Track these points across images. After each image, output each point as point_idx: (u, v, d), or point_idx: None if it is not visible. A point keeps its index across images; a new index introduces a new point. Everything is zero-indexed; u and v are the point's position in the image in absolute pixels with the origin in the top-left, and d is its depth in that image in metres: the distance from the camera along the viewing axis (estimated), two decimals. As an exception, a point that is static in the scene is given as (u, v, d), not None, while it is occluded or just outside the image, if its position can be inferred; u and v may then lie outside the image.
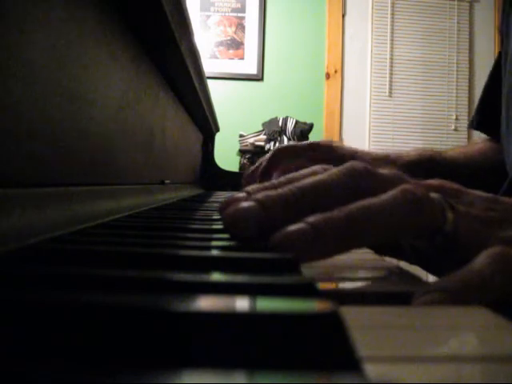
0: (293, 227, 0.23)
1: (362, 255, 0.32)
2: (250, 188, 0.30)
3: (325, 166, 0.30)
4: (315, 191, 0.26)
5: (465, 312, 0.18)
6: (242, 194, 0.29)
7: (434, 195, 0.25)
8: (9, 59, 0.26)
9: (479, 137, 0.81)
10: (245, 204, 0.26)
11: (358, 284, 0.24)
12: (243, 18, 2.60)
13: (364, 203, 0.24)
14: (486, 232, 0.25)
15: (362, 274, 0.27)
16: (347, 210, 0.23)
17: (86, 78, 0.39)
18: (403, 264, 0.30)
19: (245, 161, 2.39)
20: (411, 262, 0.30)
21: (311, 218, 0.23)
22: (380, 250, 0.32)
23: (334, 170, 0.27)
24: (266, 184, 0.30)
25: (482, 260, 0.23)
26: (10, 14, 0.26)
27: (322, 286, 0.22)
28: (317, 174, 0.28)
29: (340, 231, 0.23)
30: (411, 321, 0.16)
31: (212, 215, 0.49)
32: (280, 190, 0.26)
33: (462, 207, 0.26)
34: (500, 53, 0.68)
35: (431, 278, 0.28)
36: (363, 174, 0.27)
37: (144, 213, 0.52)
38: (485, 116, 0.74)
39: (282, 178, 0.30)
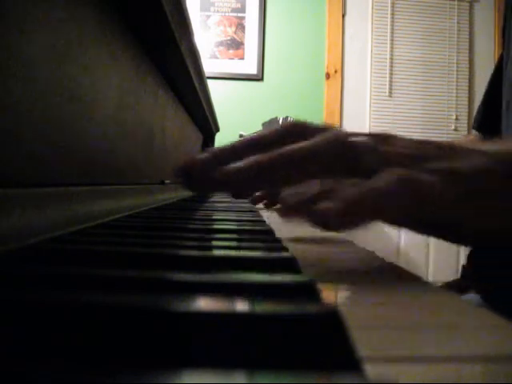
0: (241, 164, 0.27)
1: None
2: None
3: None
4: (255, 140, 0.30)
5: (465, 312, 0.18)
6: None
7: (362, 138, 0.28)
8: (9, 59, 0.26)
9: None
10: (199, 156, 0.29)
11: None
12: (243, 17, 2.60)
13: (298, 146, 0.27)
14: (415, 166, 0.28)
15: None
16: (284, 151, 0.27)
17: (86, 78, 0.39)
18: (403, 264, 0.30)
19: (245, 161, 2.39)
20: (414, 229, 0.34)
21: (255, 157, 0.27)
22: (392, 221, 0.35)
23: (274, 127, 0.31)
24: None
25: (379, 177, 0.26)
26: (10, 13, 0.26)
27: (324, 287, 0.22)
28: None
29: (275, 170, 0.27)
30: (411, 321, 0.16)
31: (212, 215, 0.49)
32: (230, 144, 0.30)
33: (391, 147, 0.29)
34: (501, 55, 0.68)
35: (431, 277, 0.28)
36: (297, 124, 0.31)
37: (144, 213, 0.52)
38: (486, 118, 0.74)
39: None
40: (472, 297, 0.56)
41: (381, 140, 0.30)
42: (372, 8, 2.66)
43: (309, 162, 0.27)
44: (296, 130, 0.30)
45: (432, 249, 2.58)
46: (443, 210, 0.28)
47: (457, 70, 2.66)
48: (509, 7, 0.64)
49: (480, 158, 0.29)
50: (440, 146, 0.31)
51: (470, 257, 0.58)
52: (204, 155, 0.29)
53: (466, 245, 0.34)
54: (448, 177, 0.28)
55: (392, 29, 2.66)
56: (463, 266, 0.57)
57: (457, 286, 0.57)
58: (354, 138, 0.28)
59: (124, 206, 0.49)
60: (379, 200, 0.26)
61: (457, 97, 2.66)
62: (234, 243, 0.31)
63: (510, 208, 0.29)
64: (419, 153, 0.29)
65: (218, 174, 0.27)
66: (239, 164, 0.27)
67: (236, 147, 0.30)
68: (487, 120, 0.73)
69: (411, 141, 0.31)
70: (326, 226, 0.25)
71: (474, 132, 0.77)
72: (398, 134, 0.31)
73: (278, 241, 0.32)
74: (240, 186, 0.27)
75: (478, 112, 0.76)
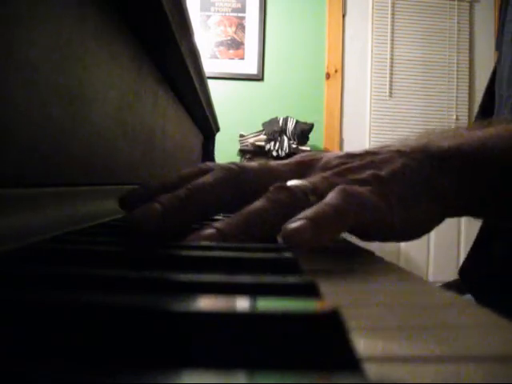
0: (205, 231, 0.29)
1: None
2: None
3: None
4: (204, 192, 0.32)
5: (465, 312, 0.18)
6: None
7: (294, 185, 0.32)
8: (8, 59, 0.26)
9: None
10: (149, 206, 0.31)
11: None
12: (243, 18, 2.60)
13: (252, 209, 0.30)
14: (343, 180, 0.32)
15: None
16: (243, 216, 0.30)
17: (86, 78, 0.39)
18: (403, 264, 0.31)
19: (245, 161, 2.39)
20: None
21: (217, 224, 0.29)
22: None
23: (214, 173, 0.34)
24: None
25: (329, 196, 0.29)
26: (10, 13, 0.26)
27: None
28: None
29: (239, 234, 0.29)
30: (411, 321, 0.16)
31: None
32: (177, 192, 0.32)
33: (317, 178, 0.33)
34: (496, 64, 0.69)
35: (431, 277, 0.29)
36: (238, 172, 0.34)
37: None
38: (484, 114, 0.74)
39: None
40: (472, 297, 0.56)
41: (305, 167, 0.36)
42: (372, 8, 2.66)
43: (263, 224, 0.30)
44: (237, 176, 0.34)
45: (432, 249, 2.58)
46: (383, 214, 0.31)
47: (457, 70, 2.66)
48: (503, 4, 0.64)
49: (397, 161, 0.33)
50: (361, 155, 0.35)
51: (465, 260, 0.58)
52: (153, 206, 0.31)
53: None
54: (371, 184, 0.32)
55: (392, 29, 2.66)
56: (460, 269, 0.57)
57: (457, 286, 0.57)
58: (287, 190, 0.31)
59: (124, 206, 0.49)
60: (337, 211, 0.29)
61: (457, 97, 2.66)
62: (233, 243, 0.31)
63: (439, 192, 0.33)
64: (341, 170, 0.34)
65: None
66: (210, 233, 0.29)
67: (182, 199, 0.32)
68: (486, 116, 0.73)
69: (334, 157, 0.35)
70: (300, 243, 0.27)
71: None
72: (399, 134, 0.34)
73: (278, 241, 0.32)
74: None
75: (479, 111, 0.76)
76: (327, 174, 0.34)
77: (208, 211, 0.33)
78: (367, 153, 0.36)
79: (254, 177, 0.35)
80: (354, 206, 0.29)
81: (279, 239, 0.29)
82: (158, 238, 0.29)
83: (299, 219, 0.27)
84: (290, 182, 0.32)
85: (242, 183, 0.34)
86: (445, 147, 0.35)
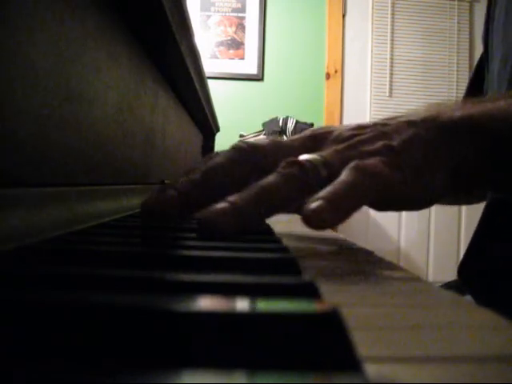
0: (217, 205, 0.29)
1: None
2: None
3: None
4: (218, 172, 0.33)
5: (465, 312, 0.18)
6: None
7: (304, 158, 0.32)
8: (9, 59, 0.26)
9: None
10: (165, 193, 0.32)
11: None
12: (243, 18, 2.60)
13: (262, 185, 0.30)
14: (356, 153, 0.32)
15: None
16: (253, 192, 0.30)
17: (85, 78, 0.39)
18: (403, 264, 0.31)
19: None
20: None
21: (231, 198, 0.29)
22: None
23: (224, 153, 0.35)
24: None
25: (343, 174, 0.29)
26: (10, 13, 0.26)
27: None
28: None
29: (251, 209, 0.29)
30: (411, 321, 0.16)
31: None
32: (190, 176, 0.33)
33: (329, 151, 0.33)
34: (481, 57, 0.69)
35: (431, 277, 0.29)
36: (248, 149, 0.34)
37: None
38: None
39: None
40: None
41: (317, 141, 0.35)
42: (372, 8, 2.65)
43: (275, 198, 0.30)
44: (248, 155, 0.34)
45: (432, 249, 2.58)
46: (401, 185, 0.31)
47: (457, 70, 2.66)
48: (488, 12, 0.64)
49: (409, 130, 0.33)
50: (372, 126, 0.35)
51: (463, 259, 0.58)
52: (171, 194, 0.32)
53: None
54: (384, 155, 0.31)
55: (392, 29, 2.66)
56: (458, 268, 0.57)
57: (457, 286, 0.57)
58: (297, 163, 0.31)
59: (124, 206, 0.49)
60: (353, 189, 0.29)
61: (457, 97, 2.65)
62: (233, 243, 0.31)
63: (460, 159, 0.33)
64: (358, 139, 0.33)
65: (205, 219, 0.30)
66: (223, 207, 0.29)
67: (201, 183, 0.33)
68: None
69: (346, 129, 0.35)
70: (320, 224, 0.28)
71: None
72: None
73: (278, 241, 0.32)
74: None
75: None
76: (339, 147, 0.33)
77: (222, 192, 0.32)
78: (378, 124, 0.35)
79: (265, 153, 0.34)
80: (368, 182, 0.29)
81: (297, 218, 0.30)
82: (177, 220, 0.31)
83: (317, 200, 0.28)
84: (302, 157, 0.32)
85: (252, 161, 0.34)
86: (456, 116, 0.34)
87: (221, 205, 0.29)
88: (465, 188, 0.37)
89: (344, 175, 0.29)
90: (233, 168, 0.33)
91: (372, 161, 0.30)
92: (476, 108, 0.35)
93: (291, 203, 0.31)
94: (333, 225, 0.28)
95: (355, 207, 0.29)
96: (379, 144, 0.32)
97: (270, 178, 0.30)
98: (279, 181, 0.30)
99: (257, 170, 0.33)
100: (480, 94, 0.63)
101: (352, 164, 0.30)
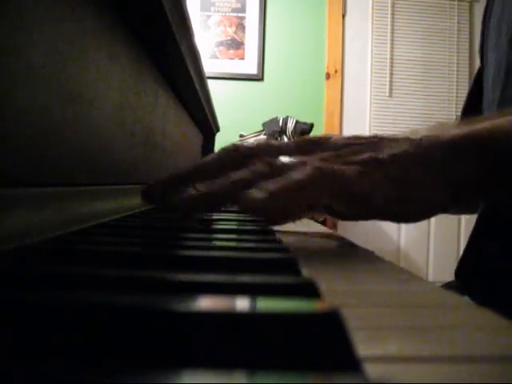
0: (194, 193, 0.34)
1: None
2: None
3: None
4: (199, 168, 0.38)
5: (465, 312, 0.18)
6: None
7: (282, 161, 0.33)
8: (9, 59, 0.26)
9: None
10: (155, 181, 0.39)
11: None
12: (243, 17, 2.60)
13: (232, 178, 0.33)
14: (340, 162, 0.33)
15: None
16: (219, 180, 0.34)
17: (85, 78, 0.39)
18: (403, 264, 0.31)
19: (245, 161, 2.39)
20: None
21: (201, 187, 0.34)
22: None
23: (216, 153, 0.38)
24: None
25: (297, 171, 0.31)
26: (10, 13, 0.26)
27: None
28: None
29: (213, 198, 0.34)
30: (411, 321, 0.16)
31: (212, 215, 0.49)
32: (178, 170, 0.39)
33: (314, 157, 0.34)
34: (477, 72, 0.69)
35: (431, 277, 0.29)
36: (231, 150, 0.37)
37: (144, 213, 0.52)
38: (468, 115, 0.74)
39: None
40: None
41: (309, 146, 0.36)
42: (372, 8, 2.65)
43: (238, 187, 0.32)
44: (230, 155, 0.37)
45: (432, 249, 2.58)
46: (364, 197, 0.32)
47: (457, 70, 2.66)
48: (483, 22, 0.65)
49: (401, 146, 0.33)
50: (368, 139, 0.36)
51: (461, 260, 0.58)
52: (157, 182, 0.39)
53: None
54: (367, 165, 0.32)
55: (392, 29, 2.66)
56: (455, 270, 0.57)
57: (456, 287, 0.57)
58: (274, 165, 0.33)
59: (124, 206, 0.49)
60: (299, 188, 0.30)
61: (457, 97, 2.66)
62: (233, 243, 0.31)
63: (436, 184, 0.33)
64: (344, 152, 0.34)
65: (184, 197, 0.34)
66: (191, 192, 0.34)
67: (182, 175, 0.38)
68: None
69: (341, 139, 0.36)
70: (253, 211, 0.31)
71: None
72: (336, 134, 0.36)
73: (278, 240, 0.32)
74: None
75: (462, 113, 0.76)
76: (326, 154, 0.34)
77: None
78: (375, 137, 0.36)
79: (250, 153, 0.36)
80: (323, 184, 0.30)
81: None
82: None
83: (256, 189, 0.30)
84: (283, 158, 0.33)
85: (237, 159, 0.36)
86: (459, 135, 0.35)
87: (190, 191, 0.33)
88: (465, 203, 0.38)
89: (296, 173, 0.31)
90: (213, 165, 0.37)
91: (342, 167, 0.32)
92: (478, 126, 0.36)
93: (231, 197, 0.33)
94: (269, 214, 0.31)
95: (297, 204, 0.31)
96: (365, 155, 0.33)
97: (237, 172, 0.33)
98: (243, 174, 0.33)
99: (238, 166, 0.35)
100: (478, 107, 0.64)
101: (314, 165, 0.31)
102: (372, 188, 0.32)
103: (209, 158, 0.38)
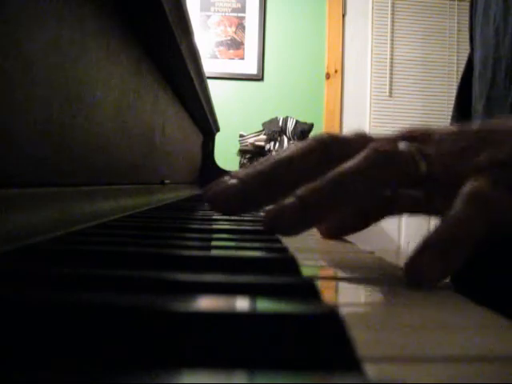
0: (285, 202, 0.25)
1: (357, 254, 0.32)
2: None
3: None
4: (288, 162, 0.28)
5: (465, 312, 0.18)
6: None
7: (402, 146, 0.27)
8: (9, 59, 0.26)
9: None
10: (225, 181, 0.28)
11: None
12: (243, 17, 2.60)
13: (340, 170, 0.25)
14: (460, 164, 0.27)
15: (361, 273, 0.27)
16: (328, 179, 0.25)
17: (86, 78, 0.39)
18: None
19: (245, 161, 2.39)
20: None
21: (299, 191, 0.25)
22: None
23: (301, 143, 0.29)
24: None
25: (457, 207, 0.24)
26: (10, 13, 0.26)
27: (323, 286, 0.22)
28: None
29: (324, 201, 0.25)
30: (411, 320, 0.16)
31: (212, 215, 0.49)
32: (258, 167, 0.28)
33: (431, 148, 0.28)
34: (469, 57, 0.69)
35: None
36: (328, 140, 0.29)
37: (144, 213, 0.52)
38: (461, 114, 0.75)
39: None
40: None
41: (416, 140, 0.29)
42: (372, 8, 2.65)
43: (364, 187, 0.26)
44: (326, 146, 0.29)
45: (432, 249, 2.58)
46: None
47: (457, 70, 2.66)
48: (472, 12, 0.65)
49: None
50: (479, 133, 0.29)
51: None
52: (231, 182, 0.27)
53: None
54: (493, 168, 0.26)
55: (392, 29, 2.66)
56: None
57: (455, 286, 0.57)
58: (396, 147, 0.27)
59: (124, 206, 0.49)
60: (467, 231, 0.24)
61: (457, 97, 2.65)
62: (233, 243, 0.31)
63: None
64: (461, 146, 0.28)
65: (271, 214, 0.25)
66: (289, 202, 0.25)
67: (265, 173, 0.28)
68: (462, 116, 0.74)
69: (448, 132, 0.29)
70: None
71: None
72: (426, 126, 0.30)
73: (278, 240, 0.32)
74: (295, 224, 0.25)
75: (454, 109, 0.77)
76: (442, 148, 0.28)
77: (291, 185, 0.27)
78: (482, 130, 0.29)
79: (348, 144, 0.29)
80: (485, 216, 0.24)
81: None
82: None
83: (424, 244, 0.23)
84: (400, 145, 0.27)
85: (330, 151, 0.29)
86: None
87: (288, 201, 0.25)
88: None
89: (456, 210, 0.24)
90: (305, 158, 0.28)
91: (483, 183, 0.25)
92: None
93: (373, 194, 0.26)
94: (438, 278, 0.23)
95: (468, 250, 0.24)
96: (485, 156, 0.27)
97: (350, 163, 0.26)
98: (362, 165, 0.25)
99: (335, 161, 0.27)
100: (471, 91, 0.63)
101: (469, 192, 0.25)
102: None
103: (291, 150, 0.29)
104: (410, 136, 0.29)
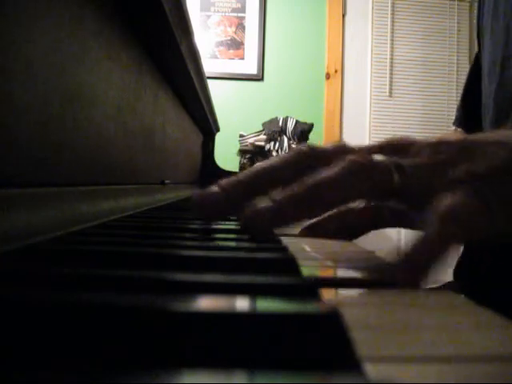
0: (262, 205, 0.27)
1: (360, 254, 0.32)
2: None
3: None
4: (268, 172, 0.30)
5: (465, 312, 0.18)
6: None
7: (377, 158, 0.28)
8: (9, 59, 0.26)
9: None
10: (209, 190, 0.30)
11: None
12: (243, 17, 2.60)
13: (316, 178, 0.27)
14: (435, 176, 0.28)
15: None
16: (304, 185, 0.27)
17: (86, 78, 0.39)
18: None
19: (245, 161, 2.39)
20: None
21: (275, 195, 0.27)
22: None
23: (282, 155, 0.32)
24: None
25: (430, 228, 0.25)
26: (10, 13, 0.26)
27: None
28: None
29: (298, 204, 0.27)
30: (411, 321, 0.16)
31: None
32: (240, 176, 0.31)
33: (408, 160, 0.28)
34: (477, 54, 0.69)
35: (430, 278, 0.28)
36: (308, 151, 0.31)
37: (144, 213, 0.52)
38: (466, 115, 0.75)
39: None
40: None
41: (395, 151, 0.29)
42: (372, 8, 2.65)
43: (334, 192, 0.27)
44: (306, 157, 0.31)
45: (432, 249, 2.58)
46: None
47: (457, 70, 2.66)
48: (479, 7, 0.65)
49: (499, 154, 0.28)
50: (461, 145, 0.29)
51: (459, 260, 0.58)
52: (215, 191, 0.30)
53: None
54: (471, 181, 0.27)
55: (392, 29, 2.66)
56: (454, 271, 0.57)
57: (455, 287, 0.57)
58: (371, 159, 0.28)
59: (124, 206, 0.49)
60: (442, 243, 0.24)
61: (457, 97, 2.65)
62: (233, 243, 0.31)
63: None
64: (439, 158, 0.28)
65: (248, 215, 0.28)
66: (265, 205, 0.27)
67: (245, 183, 0.30)
68: (468, 117, 0.74)
69: (427, 144, 0.30)
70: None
71: (455, 129, 0.77)
72: (400, 134, 0.31)
73: (278, 240, 0.32)
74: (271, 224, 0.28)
75: (458, 109, 0.77)
76: (418, 161, 0.29)
77: (269, 190, 0.30)
78: (465, 141, 0.30)
79: (327, 155, 0.30)
80: (454, 234, 0.25)
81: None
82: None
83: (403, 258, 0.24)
84: (375, 157, 0.28)
85: (309, 161, 0.30)
86: None
87: (263, 205, 0.27)
88: None
89: (431, 227, 0.25)
90: (285, 167, 0.30)
91: (457, 197, 0.26)
92: None
93: (346, 201, 0.28)
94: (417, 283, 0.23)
95: (439, 260, 0.24)
96: (462, 169, 0.27)
97: (326, 171, 0.27)
98: (337, 174, 0.27)
99: (314, 171, 0.29)
100: (479, 90, 0.64)
101: (442, 210, 0.25)
102: (489, 215, 0.26)
103: (270, 160, 0.31)
104: (390, 147, 0.30)
